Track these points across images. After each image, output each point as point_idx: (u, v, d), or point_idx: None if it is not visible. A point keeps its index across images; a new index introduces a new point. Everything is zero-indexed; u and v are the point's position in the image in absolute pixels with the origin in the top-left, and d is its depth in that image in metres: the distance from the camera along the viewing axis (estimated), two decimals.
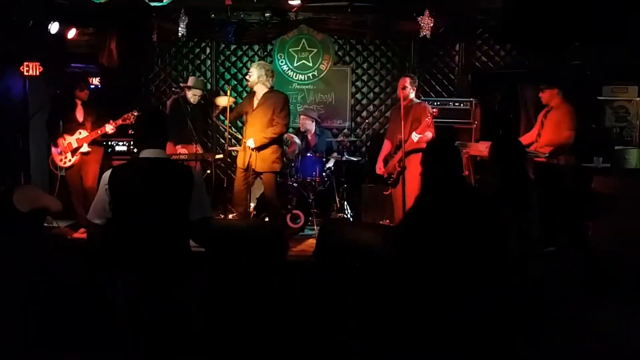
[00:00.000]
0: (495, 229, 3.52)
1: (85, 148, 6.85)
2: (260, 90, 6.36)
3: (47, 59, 7.43)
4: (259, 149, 6.26)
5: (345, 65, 8.64)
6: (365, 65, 8.62)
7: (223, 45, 8.60)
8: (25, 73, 7.27)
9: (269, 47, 8.61)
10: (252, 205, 7.19)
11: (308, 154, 7.44)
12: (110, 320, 3.20)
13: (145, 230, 3.12)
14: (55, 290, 4.54)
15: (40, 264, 4.85)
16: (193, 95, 7.21)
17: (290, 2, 7.10)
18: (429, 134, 6.12)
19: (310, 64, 8.61)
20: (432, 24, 7.17)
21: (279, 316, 4.21)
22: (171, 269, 3.14)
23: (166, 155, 3.36)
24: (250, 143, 6.26)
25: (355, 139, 8.32)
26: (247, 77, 6.50)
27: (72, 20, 7.48)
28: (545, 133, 6.37)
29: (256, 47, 8.61)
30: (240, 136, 8.01)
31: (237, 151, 6.90)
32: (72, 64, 7.95)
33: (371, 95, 8.65)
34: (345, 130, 8.46)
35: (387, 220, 7.05)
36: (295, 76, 8.62)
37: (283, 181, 7.31)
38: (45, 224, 6.51)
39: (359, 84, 8.65)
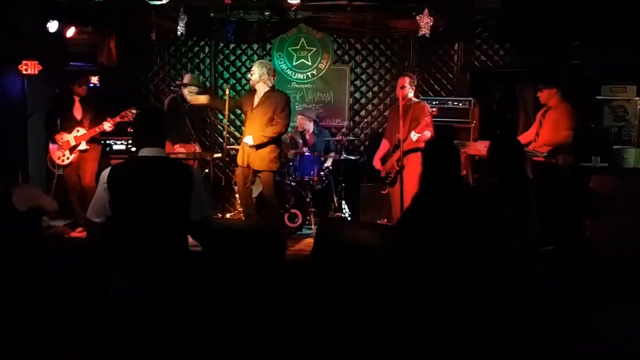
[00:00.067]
0: (493, 228, 3.53)
1: (83, 146, 6.84)
2: (262, 89, 6.36)
3: (46, 58, 7.42)
4: (258, 147, 6.26)
5: (344, 64, 8.63)
6: (364, 64, 8.62)
7: (222, 44, 8.59)
8: (24, 72, 7.25)
9: (268, 46, 8.60)
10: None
11: (306, 153, 7.45)
12: (110, 320, 3.20)
13: (145, 229, 3.12)
14: (54, 289, 4.53)
15: (38, 263, 4.85)
16: (189, 93, 7.21)
17: (289, 1, 7.09)
18: (428, 133, 6.12)
19: (309, 63, 8.60)
20: (431, 23, 7.16)
21: (279, 316, 4.20)
22: (170, 268, 3.14)
23: (165, 153, 3.36)
24: (249, 140, 6.26)
25: (354, 138, 8.32)
26: (249, 75, 6.50)
27: (71, 19, 7.46)
28: (544, 132, 6.37)
29: (255, 46, 8.60)
30: (239, 135, 8.02)
31: (236, 150, 6.92)
32: (71, 63, 7.92)
33: (370, 94, 8.65)
34: (344, 130, 8.46)
35: (385, 220, 7.05)
36: (294, 75, 8.62)
37: (281, 180, 7.32)
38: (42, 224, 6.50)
39: (357, 83, 8.65)
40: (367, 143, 8.57)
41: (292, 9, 7.60)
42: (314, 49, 8.58)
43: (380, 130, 8.32)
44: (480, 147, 6.10)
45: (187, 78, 7.46)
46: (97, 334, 3.87)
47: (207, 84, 8.55)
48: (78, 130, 6.84)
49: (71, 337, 4.17)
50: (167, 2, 6.57)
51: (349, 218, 7.60)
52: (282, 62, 8.59)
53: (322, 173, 7.45)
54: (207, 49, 8.66)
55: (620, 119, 7.88)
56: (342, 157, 7.67)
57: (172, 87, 7.82)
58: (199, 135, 7.37)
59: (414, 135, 6.10)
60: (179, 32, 7.39)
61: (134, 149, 6.40)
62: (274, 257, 4.55)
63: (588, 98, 7.71)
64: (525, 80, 7.74)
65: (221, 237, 4.32)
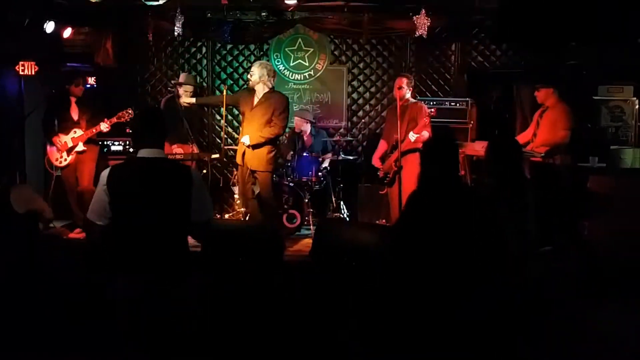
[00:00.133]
0: (491, 228, 3.53)
1: (80, 147, 6.83)
2: (261, 89, 6.36)
3: (43, 59, 7.40)
4: (254, 147, 6.26)
5: (342, 65, 8.63)
6: (361, 65, 8.62)
7: (219, 45, 8.58)
8: (21, 72, 7.24)
9: (265, 46, 8.60)
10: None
11: (304, 154, 7.45)
12: (110, 320, 3.19)
13: (144, 230, 3.12)
14: (53, 290, 4.53)
15: (37, 264, 4.85)
16: (185, 92, 7.21)
17: (286, 2, 7.10)
18: (426, 134, 6.13)
19: (307, 64, 8.60)
20: (428, 24, 7.18)
21: (278, 316, 4.21)
22: (170, 268, 3.14)
23: (164, 154, 3.36)
24: (246, 140, 6.27)
25: (352, 139, 8.32)
26: (248, 76, 6.49)
27: (67, 20, 7.45)
28: (541, 133, 6.39)
29: (252, 47, 8.59)
30: (236, 135, 8.02)
31: (234, 150, 6.92)
32: (68, 64, 7.91)
33: (367, 94, 8.66)
34: (342, 130, 8.46)
35: (384, 220, 7.06)
36: (292, 76, 8.61)
37: (279, 181, 7.33)
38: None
39: (355, 83, 8.65)
40: (364, 144, 8.57)
41: (289, 10, 7.61)
42: (311, 49, 8.58)
43: (378, 131, 8.32)
44: (477, 148, 6.11)
45: (182, 77, 7.46)
46: (96, 334, 3.87)
47: (204, 84, 8.55)
48: (75, 132, 6.83)
49: (70, 337, 4.17)
50: (164, 3, 6.56)
51: (347, 219, 7.60)
52: (279, 63, 8.59)
53: (320, 174, 7.46)
54: (204, 50, 8.65)
55: (618, 120, 7.90)
56: (340, 158, 7.67)
57: (169, 87, 7.82)
58: (196, 135, 7.36)
59: (412, 136, 6.11)
60: (175, 33, 7.38)
61: (132, 149, 6.41)
62: (272, 258, 4.55)
63: (585, 98, 7.74)
64: (523, 81, 7.77)
65: (220, 238, 4.32)
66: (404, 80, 6.33)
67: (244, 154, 6.36)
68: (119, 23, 7.78)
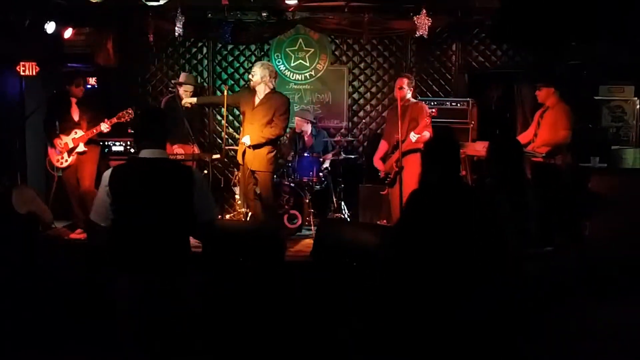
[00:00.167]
0: (492, 228, 3.53)
1: (81, 148, 6.81)
2: (262, 90, 6.36)
3: (44, 59, 7.41)
4: (255, 147, 6.26)
5: (342, 65, 8.63)
6: (362, 65, 8.61)
7: (220, 45, 8.57)
8: (22, 73, 7.25)
9: (266, 46, 8.59)
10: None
11: (305, 154, 7.45)
12: (110, 320, 3.20)
13: (146, 230, 3.12)
14: (54, 290, 4.54)
15: (38, 264, 4.85)
16: (185, 92, 7.20)
17: (287, 2, 7.09)
18: (427, 134, 6.12)
19: (307, 64, 8.60)
20: (429, 24, 7.16)
21: (279, 315, 4.21)
22: (171, 268, 3.14)
23: (166, 155, 3.36)
24: (246, 140, 6.27)
25: (353, 139, 8.32)
26: (249, 76, 6.48)
27: (68, 20, 7.45)
28: (542, 133, 6.38)
29: (253, 47, 8.59)
30: (237, 136, 8.01)
31: (235, 150, 6.93)
32: (69, 64, 7.92)
33: (368, 95, 8.65)
34: (343, 130, 8.46)
35: (384, 220, 7.05)
36: (292, 76, 8.61)
37: (280, 181, 7.33)
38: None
39: (355, 83, 8.65)
40: (365, 144, 8.57)
41: (290, 10, 7.61)
42: (312, 49, 8.58)
43: (378, 131, 8.32)
44: (478, 148, 6.11)
45: (183, 77, 7.46)
46: (97, 333, 3.88)
47: (205, 85, 8.55)
48: (76, 132, 6.82)
49: (71, 336, 4.18)
50: (165, 3, 6.56)
51: (348, 219, 7.60)
52: (280, 63, 8.58)
53: (320, 174, 7.46)
54: (204, 50, 8.65)
55: (619, 119, 7.90)
56: (340, 158, 7.67)
57: (169, 87, 7.82)
58: (197, 135, 7.35)
59: (413, 136, 6.10)
60: (176, 33, 7.37)
61: (133, 150, 6.41)
62: (273, 258, 4.56)
63: (586, 98, 7.73)
64: (523, 80, 7.76)
65: (221, 238, 4.33)
66: (405, 81, 6.33)
67: (244, 154, 6.35)
68: (120, 23, 7.78)
